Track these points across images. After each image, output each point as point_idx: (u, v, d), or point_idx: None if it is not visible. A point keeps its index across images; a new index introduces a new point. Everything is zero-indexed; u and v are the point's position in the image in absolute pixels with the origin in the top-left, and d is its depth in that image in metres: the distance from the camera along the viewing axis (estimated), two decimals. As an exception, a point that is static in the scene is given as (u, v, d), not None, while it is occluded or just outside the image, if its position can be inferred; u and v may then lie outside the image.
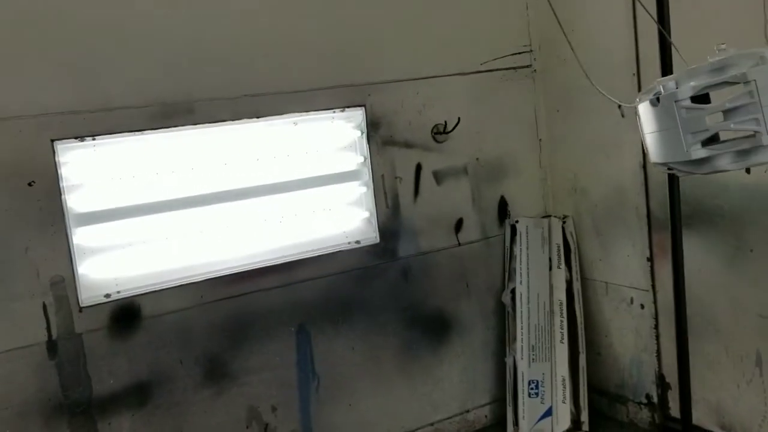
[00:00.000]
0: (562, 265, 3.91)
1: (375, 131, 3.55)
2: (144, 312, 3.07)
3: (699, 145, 1.99)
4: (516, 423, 3.81)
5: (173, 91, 3.03)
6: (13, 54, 2.77)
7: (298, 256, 3.41)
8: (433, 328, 3.81)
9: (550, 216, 4.03)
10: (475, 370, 3.95)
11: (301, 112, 3.35)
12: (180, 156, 3.14)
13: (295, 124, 3.38)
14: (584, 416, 3.83)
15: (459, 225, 3.84)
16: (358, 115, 3.51)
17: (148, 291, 3.08)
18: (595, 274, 3.91)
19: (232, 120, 3.18)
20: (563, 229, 3.98)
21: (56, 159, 2.85)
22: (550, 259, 3.92)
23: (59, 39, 2.84)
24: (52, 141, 2.83)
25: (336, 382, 3.55)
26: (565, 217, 4.00)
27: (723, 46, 1.97)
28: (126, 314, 3.03)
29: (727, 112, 1.91)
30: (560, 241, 3.94)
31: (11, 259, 2.80)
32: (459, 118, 3.66)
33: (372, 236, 3.60)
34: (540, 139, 4.06)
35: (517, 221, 3.95)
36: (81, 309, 2.94)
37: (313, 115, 3.40)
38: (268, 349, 3.35)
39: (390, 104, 3.56)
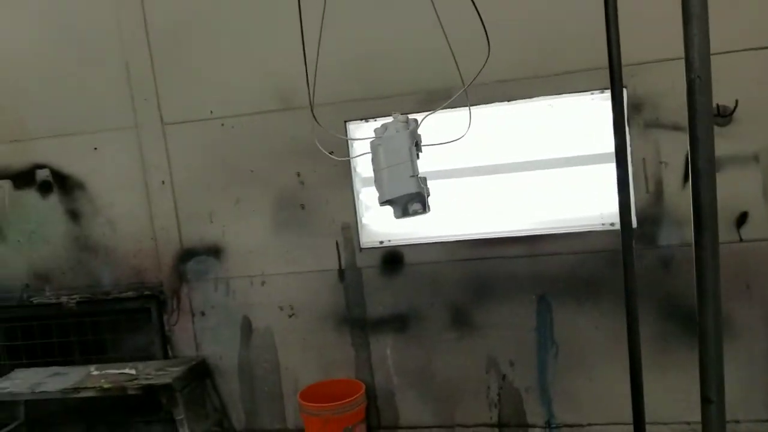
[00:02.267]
0: None
1: (637, 113, 3.41)
2: (406, 259, 3.81)
3: None
4: (786, 454, 3.30)
5: (434, 80, 3.56)
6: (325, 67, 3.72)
7: (545, 230, 3.63)
8: (695, 324, 3.51)
9: None
10: (751, 380, 3.51)
11: (554, 94, 3.48)
12: (440, 134, 3.68)
13: (551, 106, 3.52)
14: None
15: (742, 219, 3.39)
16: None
17: (410, 243, 3.81)
18: None
19: (485, 103, 3.55)
20: None
21: (348, 134, 3.75)
22: None
23: (345, 44, 3.66)
24: (345, 122, 3.74)
25: (576, 355, 3.70)
26: None
27: (397, 115, 2.07)
28: (393, 259, 3.84)
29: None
30: None
31: (317, 207, 3.87)
32: (737, 101, 3.20)
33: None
34: None
35: (827, 223, 3.25)
36: (361, 249, 3.87)
37: (568, 98, 3.49)
38: (508, 310, 3.73)
39: (657, 85, 3.35)
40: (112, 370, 4.03)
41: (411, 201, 2.09)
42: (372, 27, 3.65)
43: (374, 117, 3.71)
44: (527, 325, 3.73)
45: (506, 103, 3.55)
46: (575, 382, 3.73)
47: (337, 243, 3.89)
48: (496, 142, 3.66)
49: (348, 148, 3.74)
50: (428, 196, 2.13)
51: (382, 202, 2.11)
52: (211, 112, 3.94)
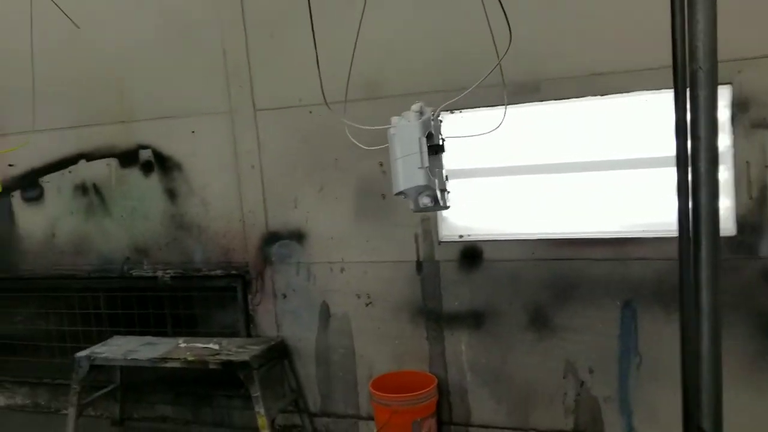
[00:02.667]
0: None
1: (742, 112, 3.14)
2: (485, 255, 3.73)
3: None
4: None
5: (522, 74, 3.44)
6: (408, 58, 3.73)
7: (634, 234, 3.44)
8: (799, 345, 3.23)
9: None
10: None
11: (651, 89, 3.26)
12: (526, 128, 3.56)
13: (646, 101, 3.31)
14: None
15: None
16: (724, 94, 3.16)
17: (490, 239, 3.73)
18: None
19: (577, 97, 3.39)
20: None
21: (432, 126, 3.70)
22: None
23: (431, 36, 3.65)
24: (430, 112, 3.69)
25: (662, 367, 3.48)
26: None
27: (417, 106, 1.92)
28: (471, 254, 3.77)
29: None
30: None
31: (397, 198, 3.83)
32: None
33: (728, 227, 3.26)
34: None
35: None
36: (440, 242, 3.83)
37: (667, 93, 3.25)
38: (590, 315, 3.56)
39: (766, 82, 3.06)
40: (198, 344, 4.22)
41: (421, 194, 2.00)
42: (457, 19, 3.57)
43: (459, 109, 3.64)
44: (609, 331, 3.55)
45: (599, 97, 3.38)
46: (658, 395, 3.52)
47: (416, 235, 3.86)
48: (586, 138, 3.49)
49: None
50: (444, 191, 2.02)
51: (396, 193, 2.09)
52: (300, 99, 4.01)
